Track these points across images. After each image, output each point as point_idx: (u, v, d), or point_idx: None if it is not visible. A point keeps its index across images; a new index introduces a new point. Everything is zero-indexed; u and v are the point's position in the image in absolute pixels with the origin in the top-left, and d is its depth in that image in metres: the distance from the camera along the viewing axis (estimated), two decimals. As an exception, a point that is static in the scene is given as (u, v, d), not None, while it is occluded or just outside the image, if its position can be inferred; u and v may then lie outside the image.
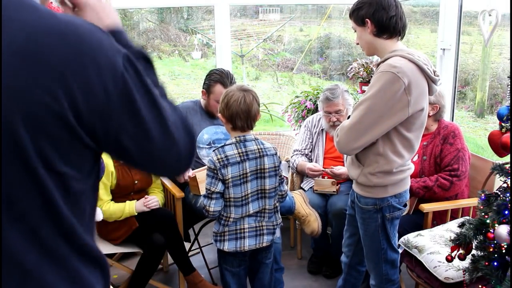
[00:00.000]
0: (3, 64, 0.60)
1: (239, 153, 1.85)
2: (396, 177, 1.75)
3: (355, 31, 1.77)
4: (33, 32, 0.63)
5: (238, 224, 1.91)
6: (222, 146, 1.87)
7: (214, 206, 1.85)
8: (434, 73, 1.69)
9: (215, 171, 1.83)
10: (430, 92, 1.71)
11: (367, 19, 1.69)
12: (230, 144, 1.87)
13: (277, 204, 2.01)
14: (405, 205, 1.86)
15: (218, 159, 1.82)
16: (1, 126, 0.61)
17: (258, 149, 1.89)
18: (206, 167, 2.49)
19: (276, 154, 1.94)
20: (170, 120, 0.74)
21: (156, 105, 0.73)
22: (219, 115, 1.92)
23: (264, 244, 1.97)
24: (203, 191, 2.40)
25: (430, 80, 1.68)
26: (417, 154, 2.44)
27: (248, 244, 1.92)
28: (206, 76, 2.65)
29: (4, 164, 0.63)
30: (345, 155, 1.95)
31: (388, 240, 1.85)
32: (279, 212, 2.04)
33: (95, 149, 0.71)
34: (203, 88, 2.66)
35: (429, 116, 2.37)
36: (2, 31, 0.61)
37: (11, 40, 0.61)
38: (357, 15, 1.72)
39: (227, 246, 1.91)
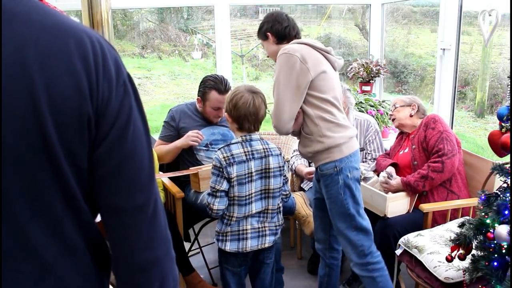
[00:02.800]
0: (30, 62, 0.63)
1: (244, 152, 1.86)
2: (342, 133, 1.93)
3: (264, 46, 2.12)
4: (54, 33, 0.66)
5: (241, 224, 1.91)
6: (228, 145, 1.88)
7: (218, 204, 1.84)
8: (326, 47, 2.00)
9: (221, 169, 1.83)
10: (332, 63, 1.99)
11: (268, 33, 2.05)
12: (236, 143, 1.88)
13: (281, 205, 2.01)
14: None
15: (224, 157, 1.83)
16: (30, 120, 0.63)
17: (263, 149, 1.90)
18: (209, 165, 2.50)
19: (280, 154, 1.96)
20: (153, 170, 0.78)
21: (147, 128, 0.76)
22: (225, 114, 1.94)
23: (267, 245, 1.97)
24: (203, 189, 2.40)
25: (324, 52, 1.97)
26: (407, 146, 2.56)
27: (250, 245, 1.92)
28: (201, 83, 2.61)
29: (30, 158, 0.65)
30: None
31: (355, 203, 1.94)
32: (281, 213, 2.04)
33: None
34: (198, 96, 2.63)
35: (411, 115, 2.59)
36: (27, 32, 0.64)
37: (35, 40, 0.64)
38: (261, 32, 2.09)
39: (229, 247, 1.91)
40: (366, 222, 1.99)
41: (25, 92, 0.63)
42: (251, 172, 1.87)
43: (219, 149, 1.88)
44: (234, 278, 2.01)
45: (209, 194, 1.88)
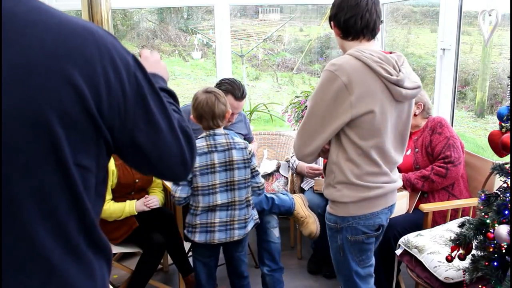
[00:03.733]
0: (37, 64, 0.63)
1: (207, 145, 1.98)
2: (357, 193, 1.57)
3: None
4: (58, 34, 0.66)
5: (209, 217, 2.01)
6: None
7: (180, 192, 1.96)
8: (398, 75, 1.50)
9: None
10: (394, 95, 1.52)
11: (331, 22, 1.60)
12: (201, 137, 2.01)
13: (250, 198, 2.08)
14: (378, 228, 1.66)
15: None
16: (38, 123, 0.63)
17: (226, 142, 2.00)
18: None
19: (245, 148, 2.03)
20: (174, 117, 0.81)
21: (163, 103, 0.79)
22: (191, 117, 2.04)
23: (235, 238, 2.05)
24: None
25: (389, 82, 1.48)
26: (409, 148, 2.50)
27: (218, 237, 2.03)
28: (216, 85, 2.55)
29: (40, 160, 0.65)
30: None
31: (354, 262, 1.67)
32: (251, 206, 2.10)
33: (111, 145, 0.75)
34: None
35: (415, 115, 2.46)
36: (31, 33, 0.64)
37: (40, 41, 0.64)
38: (328, 18, 1.63)
39: (198, 238, 2.02)
40: (365, 285, 1.71)
41: (33, 95, 0.62)
42: (214, 164, 1.97)
43: None
44: (205, 269, 2.14)
45: (173, 183, 2.00)
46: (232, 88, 2.48)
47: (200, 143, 1.97)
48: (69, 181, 0.68)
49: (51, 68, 0.64)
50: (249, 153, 2.03)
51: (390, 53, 1.59)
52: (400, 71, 1.52)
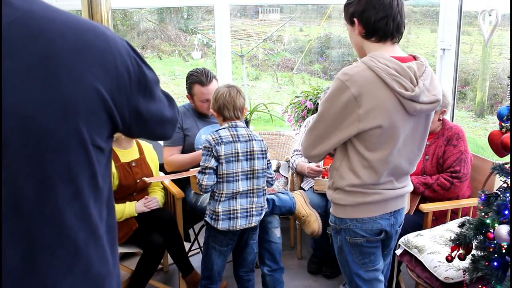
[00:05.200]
0: (62, 55, 0.69)
1: (231, 135, 2.08)
2: (354, 198, 1.55)
3: (347, 28, 1.56)
4: (74, 29, 0.72)
5: (231, 204, 2.09)
6: (217, 130, 2.11)
7: (207, 180, 2.02)
8: (414, 90, 1.41)
9: (210, 149, 2.03)
10: (408, 110, 1.44)
11: (355, 18, 1.48)
12: (223, 128, 2.11)
13: (265, 187, 2.19)
14: (379, 233, 1.60)
15: (213, 138, 2.05)
16: (63, 107, 0.69)
17: (247, 134, 2.12)
18: None
19: (262, 140, 2.17)
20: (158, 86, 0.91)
21: (153, 73, 0.88)
22: (211, 110, 2.15)
23: (253, 224, 2.15)
24: None
25: (402, 97, 1.40)
26: None
27: (239, 223, 2.10)
28: (186, 79, 2.63)
29: (67, 142, 0.70)
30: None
31: (356, 265, 1.64)
32: (265, 196, 2.21)
33: (117, 126, 0.80)
34: (187, 93, 2.65)
35: (438, 120, 2.40)
36: (52, 28, 0.70)
37: (61, 35, 0.70)
38: (347, 12, 1.51)
39: (221, 225, 2.08)
40: (368, 284, 1.66)
41: (61, 83, 0.69)
42: (238, 153, 2.07)
43: (209, 134, 2.08)
44: (220, 257, 2.19)
45: (199, 172, 2.06)
46: (197, 77, 2.55)
47: (224, 133, 2.07)
48: (89, 161, 0.73)
49: (74, 59, 0.70)
50: (265, 145, 2.18)
51: (414, 58, 1.52)
52: (418, 83, 1.43)
